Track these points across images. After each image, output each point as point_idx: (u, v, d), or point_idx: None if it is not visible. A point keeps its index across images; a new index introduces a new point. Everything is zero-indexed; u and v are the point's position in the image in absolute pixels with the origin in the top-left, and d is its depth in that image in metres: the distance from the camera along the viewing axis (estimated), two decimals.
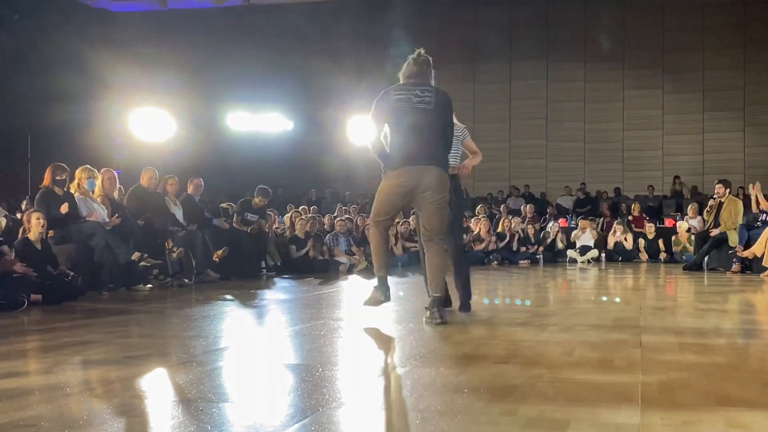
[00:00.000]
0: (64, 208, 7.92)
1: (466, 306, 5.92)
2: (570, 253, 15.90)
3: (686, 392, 3.06)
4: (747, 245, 11.40)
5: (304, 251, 12.18)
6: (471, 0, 24.10)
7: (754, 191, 11.73)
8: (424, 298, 7.03)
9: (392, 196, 5.28)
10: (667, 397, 2.96)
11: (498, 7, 24.28)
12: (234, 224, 11.09)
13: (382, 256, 5.48)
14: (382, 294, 5.47)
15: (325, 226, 13.85)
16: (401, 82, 5.36)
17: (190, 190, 10.53)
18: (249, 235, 11.12)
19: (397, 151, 5.22)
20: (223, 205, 12.03)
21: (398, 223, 14.53)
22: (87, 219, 8.23)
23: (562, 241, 16.30)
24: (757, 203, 11.64)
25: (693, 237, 14.04)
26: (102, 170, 9.00)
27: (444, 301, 5.46)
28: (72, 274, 7.31)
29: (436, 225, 5.24)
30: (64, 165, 8.30)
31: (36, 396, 2.99)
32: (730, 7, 23.04)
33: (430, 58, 5.45)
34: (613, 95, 24.02)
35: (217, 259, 9.80)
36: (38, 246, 7.26)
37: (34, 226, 7.26)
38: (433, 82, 5.45)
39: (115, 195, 9.15)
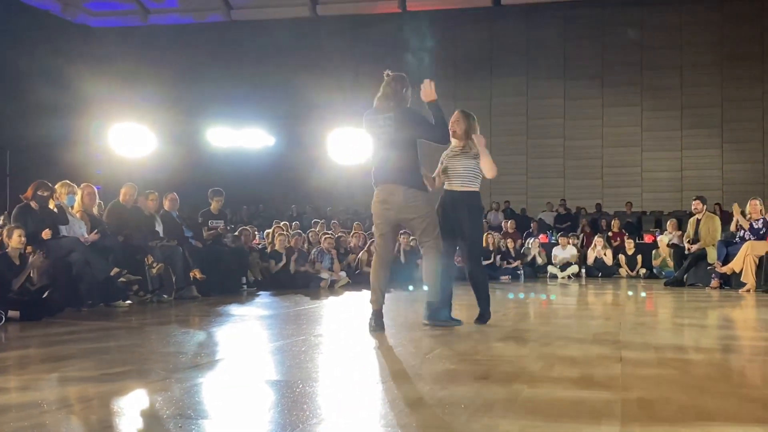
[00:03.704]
0: (47, 234, 7.85)
1: (484, 317, 6.25)
2: (550, 268, 15.97)
3: (666, 407, 3.07)
4: (725, 261, 11.49)
5: (281, 265, 12.14)
6: (451, 19, 24.26)
7: (735, 214, 11.73)
8: (405, 316, 7.03)
9: (377, 213, 5.84)
10: (647, 412, 2.97)
11: (478, 26, 24.47)
12: (204, 237, 11.03)
13: (375, 290, 5.83)
14: (376, 325, 5.78)
15: (306, 243, 13.82)
16: (374, 106, 5.86)
17: (165, 205, 10.48)
18: (230, 251, 11.07)
19: (373, 172, 5.85)
20: (201, 221, 11.98)
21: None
22: (65, 234, 8.17)
23: (542, 257, 16.37)
24: (737, 223, 11.68)
25: (672, 252, 14.13)
26: (82, 185, 8.94)
27: (436, 307, 5.85)
28: (47, 285, 7.23)
29: (423, 232, 5.75)
30: (48, 183, 8.24)
31: (13, 413, 2.96)
32: (707, 25, 23.35)
33: (402, 76, 5.83)
34: (593, 112, 24.23)
35: (199, 277, 9.74)
36: (17, 261, 7.20)
37: (14, 242, 7.20)
38: (407, 99, 5.82)
39: (95, 210, 9.09)
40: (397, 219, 5.82)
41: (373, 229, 6.05)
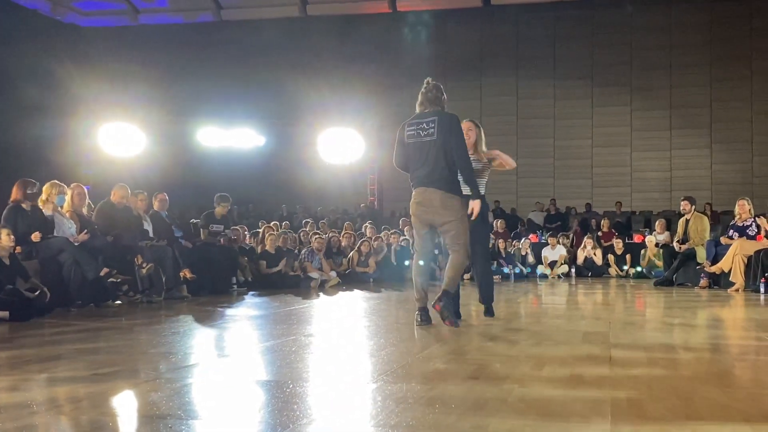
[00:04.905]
0: (36, 237, 7.83)
1: (489, 311, 6.76)
2: (540, 268, 15.99)
3: (655, 406, 3.08)
4: (714, 261, 11.54)
5: (276, 269, 12.11)
6: (441, 18, 24.28)
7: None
8: (395, 314, 7.03)
9: (415, 213, 6.11)
10: (637, 412, 2.98)
11: (468, 25, 24.50)
12: (202, 238, 11.02)
13: (418, 288, 6.12)
14: (422, 319, 6.02)
15: (297, 243, 13.82)
16: (417, 111, 6.13)
17: (155, 206, 10.45)
18: (220, 251, 11.04)
19: (412, 176, 6.09)
20: (193, 221, 11.95)
21: (372, 239, 14.54)
22: (55, 235, 8.15)
23: (532, 256, 16.40)
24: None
25: (661, 252, 14.19)
26: (72, 185, 8.92)
27: (451, 300, 6.06)
28: (42, 288, 7.22)
29: (453, 236, 5.96)
30: (32, 180, 8.22)
31: (2, 414, 2.95)
32: (696, 26, 23.45)
33: (439, 85, 6.15)
34: (582, 112, 24.30)
35: (189, 277, 9.71)
36: (6, 261, 7.17)
37: (4, 242, 7.17)
38: (445, 104, 6.11)
39: (84, 211, 9.06)
40: (433, 220, 6.03)
41: (413, 229, 6.32)
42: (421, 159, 5.99)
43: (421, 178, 6.00)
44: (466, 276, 14.41)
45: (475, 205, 5.95)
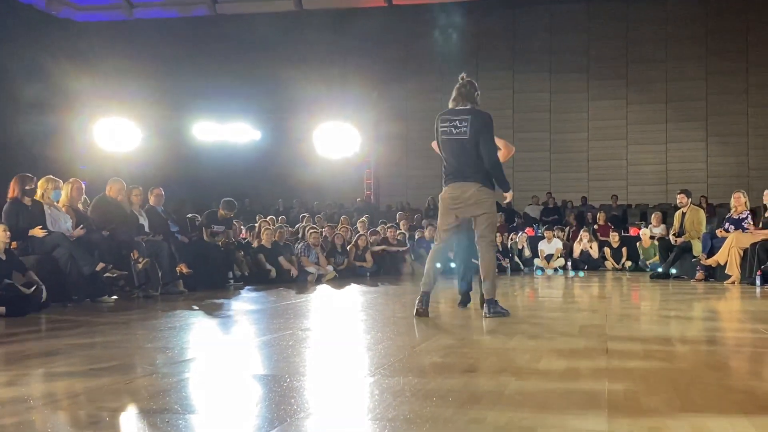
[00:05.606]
0: (39, 232, 7.82)
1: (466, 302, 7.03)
2: (537, 261, 16.01)
3: (652, 399, 3.08)
4: (710, 254, 11.55)
5: (274, 274, 11.99)
6: (437, 11, 24.24)
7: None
8: (392, 308, 7.04)
9: (444, 208, 6.28)
10: (634, 404, 2.99)
11: (464, 19, 24.46)
12: (204, 238, 11.02)
13: (429, 274, 6.25)
14: (421, 305, 6.13)
15: (300, 233, 13.83)
16: (449, 107, 6.28)
17: (151, 201, 10.44)
18: (217, 246, 11.05)
19: (445, 171, 6.29)
20: (190, 215, 11.93)
21: (368, 233, 14.55)
22: (51, 230, 8.13)
23: (527, 249, 16.42)
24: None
25: (657, 245, 14.21)
26: (71, 180, 8.92)
27: (498, 305, 6.23)
28: (39, 284, 7.20)
29: (483, 230, 6.16)
30: (29, 175, 8.20)
31: None
32: (692, 19, 23.46)
33: (473, 81, 6.34)
34: (578, 106, 24.30)
35: (185, 272, 9.70)
36: (2, 257, 7.16)
37: (0, 237, 7.16)
38: (478, 100, 6.29)
39: (80, 206, 9.04)
40: (465, 215, 6.22)
41: (438, 222, 6.46)
42: (453, 155, 6.16)
43: (454, 173, 6.18)
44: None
45: (508, 196, 6.36)
